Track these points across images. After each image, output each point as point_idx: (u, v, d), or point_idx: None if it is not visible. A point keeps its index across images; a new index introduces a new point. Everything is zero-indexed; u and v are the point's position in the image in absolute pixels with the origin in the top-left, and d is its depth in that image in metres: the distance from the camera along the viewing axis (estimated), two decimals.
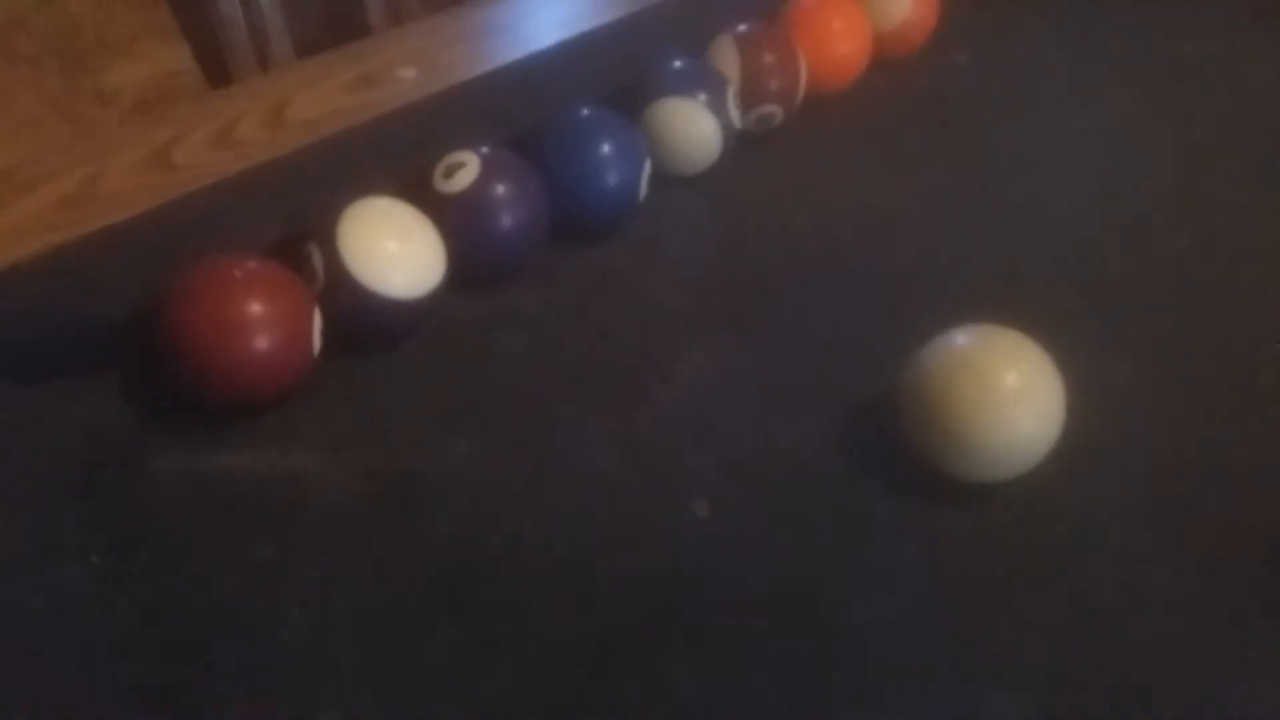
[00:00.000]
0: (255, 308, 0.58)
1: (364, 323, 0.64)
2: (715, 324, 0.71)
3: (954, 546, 0.56)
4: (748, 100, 0.83)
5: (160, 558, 0.54)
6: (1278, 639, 0.51)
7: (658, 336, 0.70)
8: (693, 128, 0.78)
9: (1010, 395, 0.55)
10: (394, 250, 0.63)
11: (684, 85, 0.78)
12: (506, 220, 0.69)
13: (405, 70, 0.80)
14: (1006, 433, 0.55)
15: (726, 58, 0.83)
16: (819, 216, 0.80)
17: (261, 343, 0.58)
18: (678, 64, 0.80)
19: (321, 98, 0.76)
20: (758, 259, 0.77)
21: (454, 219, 0.67)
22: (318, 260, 0.62)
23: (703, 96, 0.78)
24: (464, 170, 0.68)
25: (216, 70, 1.66)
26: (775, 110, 0.85)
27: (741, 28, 0.85)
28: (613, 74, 0.84)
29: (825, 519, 0.57)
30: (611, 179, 0.73)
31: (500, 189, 0.68)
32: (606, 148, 0.73)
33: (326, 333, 0.62)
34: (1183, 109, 0.94)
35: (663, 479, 0.59)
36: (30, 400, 0.60)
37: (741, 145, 0.83)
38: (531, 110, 0.79)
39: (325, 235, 0.62)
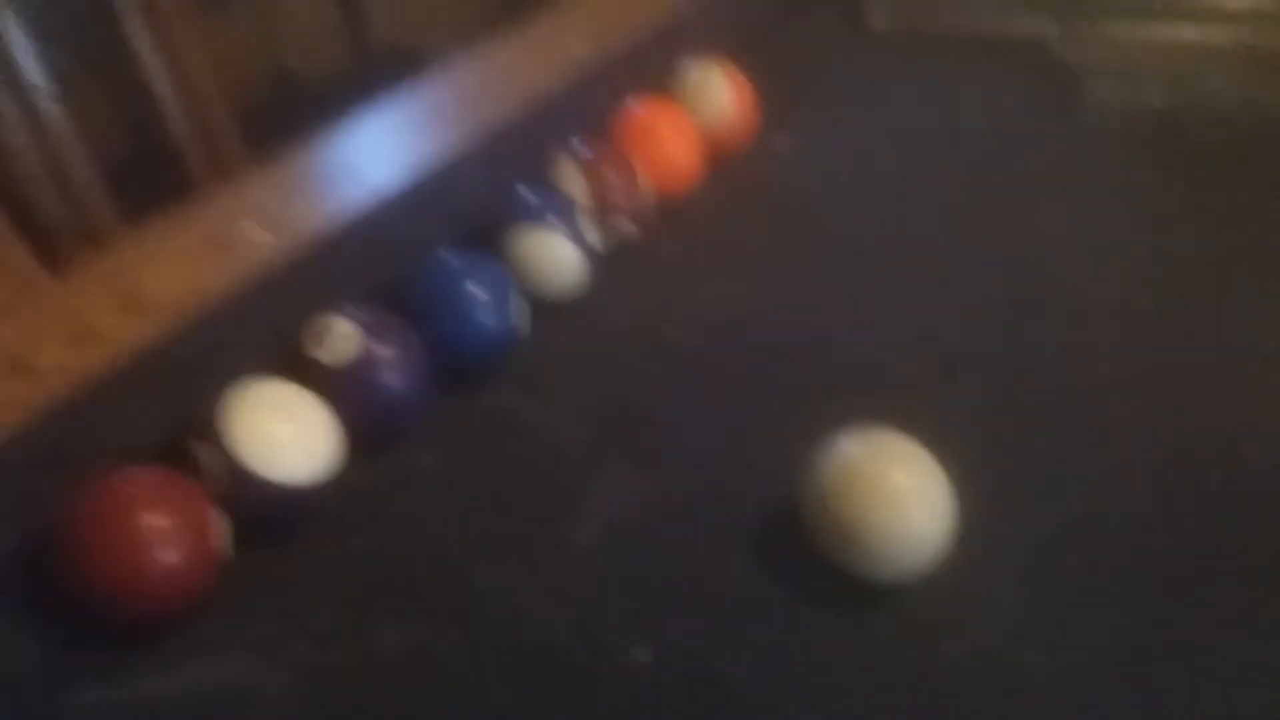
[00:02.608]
0: (157, 521, 0.56)
1: (268, 514, 0.62)
2: (612, 453, 0.72)
3: (878, 645, 0.59)
4: (600, 218, 0.85)
5: None
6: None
7: (561, 475, 0.71)
8: (553, 254, 0.80)
9: (901, 494, 0.59)
10: (286, 435, 0.62)
11: (536, 213, 0.80)
12: (394, 382, 0.69)
13: (254, 230, 0.77)
14: (901, 530, 0.59)
15: (571, 179, 0.85)
16: (687, 327, 0.83)
17: (169, 556, 0.56)
18: (527, 192, 0.82)
19: (173, 271, 0.73)
20: (639, 378, 0.79)
21: (341, 390, 0.66)
22: (209, 458, 0.60)
23: (556, 222, 0.80)
24: (344, 339, 0.67)
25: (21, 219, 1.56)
26: (628, 226, 0.87)
27: (579, 147, 0.87)
28: (468, 204, 0.85)
29: (758, 640, 0.59)
30: (490, 321, 0.74)
31: (384, 352, 0.68)
32: (479, 291, 0.74)
33: (231, 531, 0.60)
34: (1004, 184, 1.01)
35: (598, 630, 0.60)
36: None
37: (604, 262, 0.84)
38: (395, 256, 0.79)
39: (212, 431, 0.60)
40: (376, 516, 0.67)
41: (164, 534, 0.56)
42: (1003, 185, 1.00)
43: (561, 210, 0.81)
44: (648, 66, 1.04)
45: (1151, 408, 0.73)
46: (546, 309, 0.81)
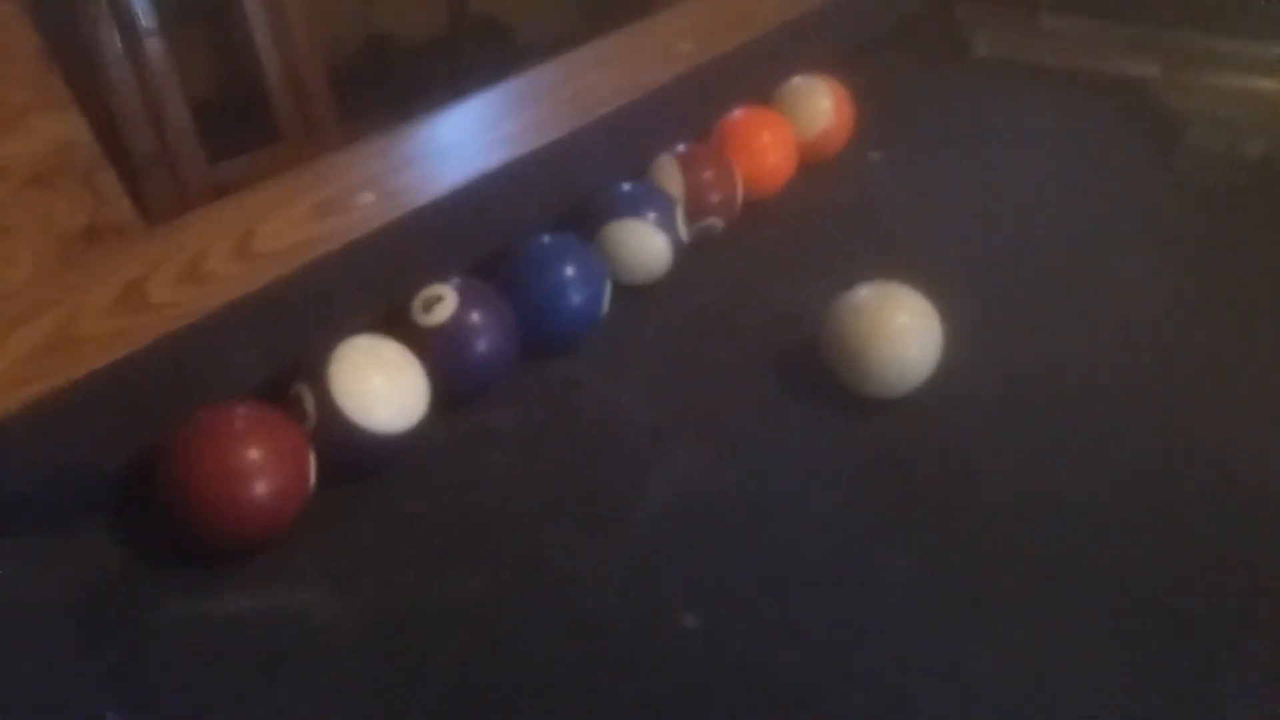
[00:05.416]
0: (257, 455, 0.60)
1: (356, 458, 0.66)
2: (678, 432, 0.75)
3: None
4: (692, 215, 0.88)
5: (178, 709, 0.55)
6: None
7: (627, 448, 0.74)
8: (645, 245, 0.83)
9: (901, 330, 0.74)
10: (383, 387, 0.66)
11: (635, 207, 0.83)
12: (483, 346, 0.72)
13: (364, 196, 0.82)
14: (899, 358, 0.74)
15: (670, 176, 0.88)
16: (763, 321, 0.86)
17: (264, 489, 0.60)
18: (627, 187, 0.85)
19: (286, 226, 0.78)
20: (711, 363, 0.82)
21: (435, 350, 0.70)
22: (309, 401, 0.64)
23: (653, 216, 0.83)
24: (442, 304, 0.71)
25: (110, 139, 1.65)
26: (717, 222, 0.90)
27: (680, 147, 0.90)
28: (563, 191, 0.88)
29: (812, 626, 0.62)
30: (576, 299, 0.78)
31: (476, 318, 0.72)
32: (571, 270, 0.78)
33: (319, 469, 0.64)
34: (1090, 222, 1.01)
35: (651, 596, 0.63)
36: (26, 555, 0.61)
37: (686, 254, 0.87)
38: (492, 231, 0.83)
39: (316, 376, 0.65)
40: (452, 470, 0.71)
41: (264, 469, 0.60)
42: (1089, 223, 1.00)
43: (659, 206, 0.84)
44: (752, 73, 1.06)
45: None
46: (628, 291, 0.85)
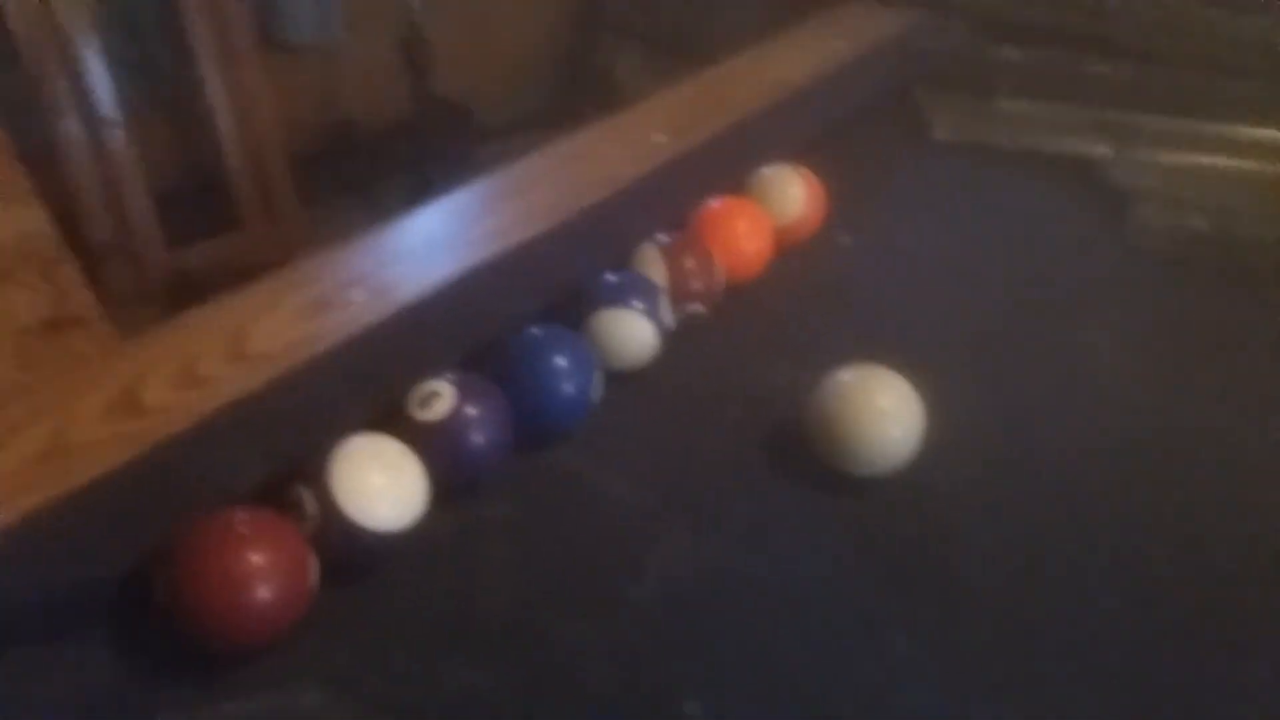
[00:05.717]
0: (259, 560, 0.61)
1: (358, 557, 0.66)
2: (670, 518, 0.76)
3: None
4: (676, 302, 0.90)
5: None
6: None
7: (621, 535, 0.75)
8: (633, 333, 0.85)
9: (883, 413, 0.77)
10: (384, 486, 0.67)
11: (622, 296, 0.85)
12: (480, 440, 0.73)
13: (354, 293, 0.83)
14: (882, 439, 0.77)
15: (653, 265, 0.91)
16: (748, 408, 0.87)
17: (266, 594, 0.60)
18: (613, 277, 0.87)
19: (278, 326, 0.79)
20: (699, 449, 0.83)
21: (434, 445, 0.71)
22: (310, 502, 0.65)
23: (639, 304, 0.85)
24: (440, 399, 0.72)
25: (69, 227, 1.65)
26: (699, 308, 0.92)
27: (663, 237, 0.92)
28: (549, 283, 0.90)
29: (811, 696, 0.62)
30: (568, 389, 0.79)
31: (473, 413, 0.73)
32: (562, 361, 0.79)
33: (319, 569, 0.65)
34: (1051, 292, 1.06)
35: (653, 684, 0.64)
36: (19, 667, 0.60)
37: (672, 339, 0.89)
38: (483, 324, 0.84)
39: (317, 477, 0.65)
40: (450, 562, 0.71)
41: (266, 572, 0.61)
42: (1051, 299, 1.05)
43: (643, 293, 0.87)
44: (726, 162, 1.10)
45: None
46: (617, 379, 0.86)
